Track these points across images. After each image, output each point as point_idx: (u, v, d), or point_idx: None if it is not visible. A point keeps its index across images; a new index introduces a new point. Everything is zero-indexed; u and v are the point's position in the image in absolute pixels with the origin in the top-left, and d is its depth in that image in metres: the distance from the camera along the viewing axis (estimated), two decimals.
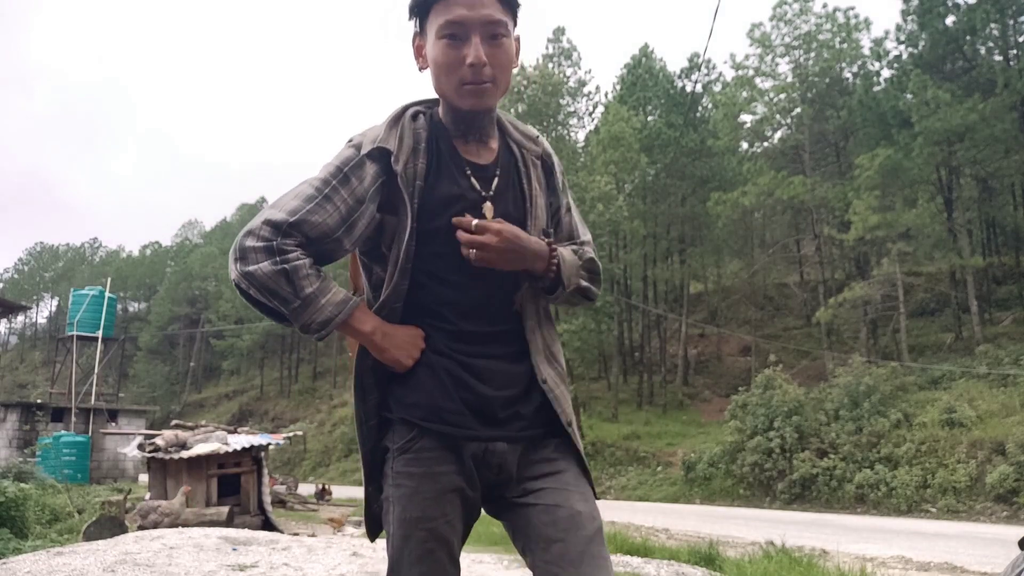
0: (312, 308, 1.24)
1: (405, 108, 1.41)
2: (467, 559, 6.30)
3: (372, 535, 1.47)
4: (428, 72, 1.36)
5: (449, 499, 1.30)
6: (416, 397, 1.31)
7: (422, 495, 1.28)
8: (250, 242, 1.23)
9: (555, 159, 1.51)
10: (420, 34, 1.38)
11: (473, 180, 1.36)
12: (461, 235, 1.28)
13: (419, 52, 1.39)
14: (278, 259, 1.22)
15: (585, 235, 1.53)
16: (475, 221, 1.29)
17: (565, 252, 1.40)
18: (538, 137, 1.49)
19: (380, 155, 1.32)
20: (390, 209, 1.33)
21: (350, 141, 1.37)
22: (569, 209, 1.54)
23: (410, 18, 1.39)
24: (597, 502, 1.38)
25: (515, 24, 1.36)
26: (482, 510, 1.40)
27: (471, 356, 1.33)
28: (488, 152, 1.41)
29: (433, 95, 1.41)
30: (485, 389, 1.31)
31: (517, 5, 1.36)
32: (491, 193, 1.36)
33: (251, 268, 1.22)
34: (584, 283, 1.44)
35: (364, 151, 1.31)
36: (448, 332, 1.33)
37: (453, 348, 1.33)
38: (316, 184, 1.30)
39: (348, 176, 1.30)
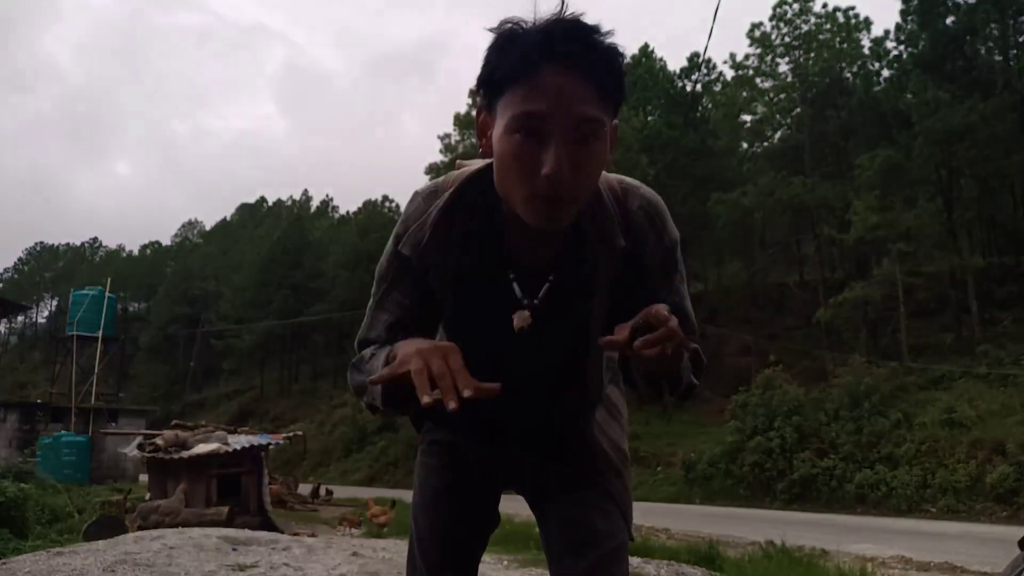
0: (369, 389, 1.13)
1: (461, 191, 1.15)
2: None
3: None
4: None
5: (457, 493, 1.34)
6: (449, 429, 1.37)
7: (430, 485, 1.35)
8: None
9: (655, 256, 1.18)
10: (488, 109, 1.05)
11: (515, 286, 1.15)
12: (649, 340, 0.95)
13: (484, 131, 1.07)
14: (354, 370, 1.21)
15: (677, 300, 1.23)
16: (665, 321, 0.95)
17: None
18: (623, 248, 1.15)
19: (414, 267, 1.18)
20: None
21: (398, 235, 1.20)
22: (669, 279, 1.23)
23: (479, 89, 1.06)
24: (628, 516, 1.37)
25: (615, 115, 1.05)
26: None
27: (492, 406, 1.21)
28: (547, 250, 1.14)
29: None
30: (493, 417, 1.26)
31: (622, 99, 1.04)
32: (535, 301, 1.14)
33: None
34: (692, 380, 1.26)
35: (403, 250, 1.18)
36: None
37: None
38: (385, 277, 1.24)
39: (395, 283, 1.21)
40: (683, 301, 1.24)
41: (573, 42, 0.95)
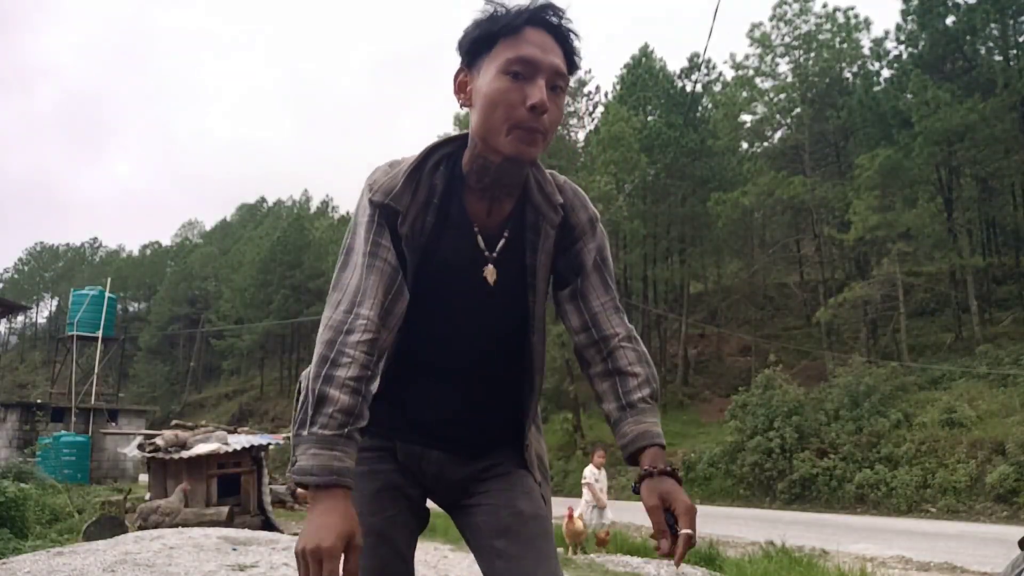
0: (303, 448, 1.12)
1: (429, 154, 1.31)
2: (467, 559, 6.30)
3: None
4: (470, 111, 1.28)
5: (390, 496, 1.32)
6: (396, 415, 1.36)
7: (360, 492, 1.24)
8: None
9: (580, 218, 1.38)
10: (468, 69, 1.27)
11: (479, 239, 1.30)
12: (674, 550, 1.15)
13: (462, 88, 1.28)
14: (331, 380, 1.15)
15: (608, 296, 1.39)
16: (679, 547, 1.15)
17: (655, 429, 1.32)
18: (561, 204, 1.35)
19: (388, 214, 1.25)
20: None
21: (366, 183, 1.30)
22: (599, 268, 1.40)
23: (463, 52, 1.27)
24: (549, 503, 1.40)
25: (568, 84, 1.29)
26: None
27: (431, 401, 1.35)
28: (500, 212, 1.32)
29: (459, 135, 1.34)
30: (430, 415, 1.35)
31: (576, 69, 1.29)
32: (495, 255, 1.31)
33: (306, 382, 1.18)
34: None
35: (373, 200, 1.26)
36: (416, 374, 1.35)
37: (412, 391, 1.36)
38: (362, 250, 1.25)
39: (380, 235, 1.25)
40: (616, 294, 1.42)
41: (553, 15, 1.23)
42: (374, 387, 1.18)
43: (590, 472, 9.21)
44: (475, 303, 1.31)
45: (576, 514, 8.50)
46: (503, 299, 1.32)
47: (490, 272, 1.30)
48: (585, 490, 9.08)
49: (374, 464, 1.33)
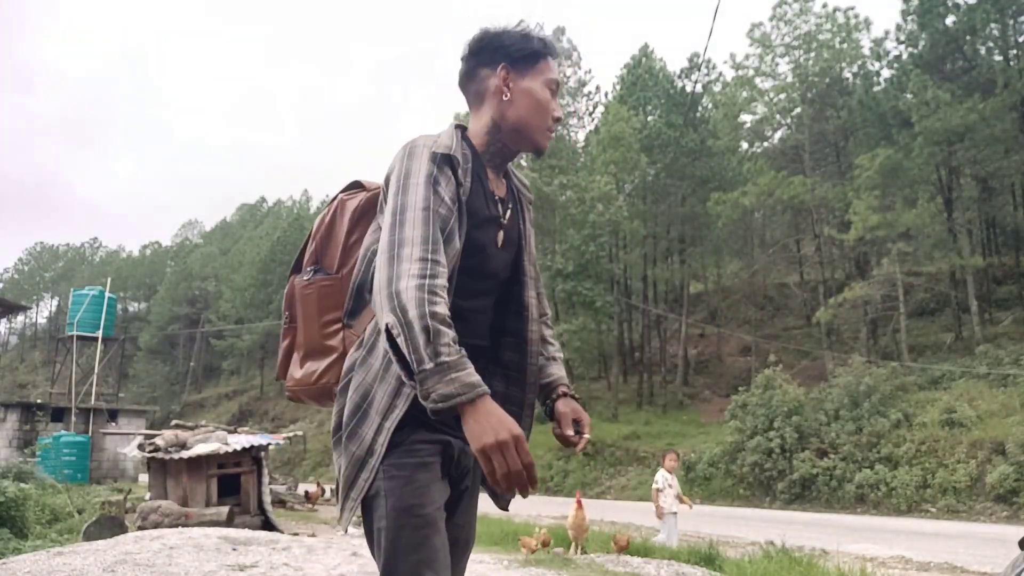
0: (434, 379, 1.22)
1: (458, 127, 1.57)
2: None
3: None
4: (504, 101, 1.54)
5: (439, 488, 1.38)
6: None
7: (417, 483, 1.33)
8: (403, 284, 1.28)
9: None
10: (512, 71, 1.55)
11: (499, 206, 1.56)
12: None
13: (505, 82, 1.54)
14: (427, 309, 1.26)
15: (547, 309, 1.74)
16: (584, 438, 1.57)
17: (563, 372, 1.69)
18: (528, 185, 1.72)
19: (448, 162, 1.44)
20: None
21: (415, 148, 1.44)
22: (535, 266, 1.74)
23: (508, 57, 1.55)
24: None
25: None
26: None
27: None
28: (501, 186, 1.60)
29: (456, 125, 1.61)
30: None
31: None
32: (504, 221, 1.56)
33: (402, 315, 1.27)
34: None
35: (436, 151, 1.43)
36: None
37: None
38: (422, 205, 1.37)
39: (438, 185, 1.41)
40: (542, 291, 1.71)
41: (555, 48, 1.62)
42: None
43: (661, 477, 8.45)
44: (491, 259, 1.52)
45: (660, 537, 8.05)
46: (503, 259, 1.56)
47: (500, 236, 1.55)
48: (660, 497, 8.28)
49: (427, 457, 1.38)
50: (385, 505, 1.32)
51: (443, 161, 1.42)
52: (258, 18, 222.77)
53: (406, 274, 1.26)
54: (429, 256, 1.29)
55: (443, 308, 1.25)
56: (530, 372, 1.57)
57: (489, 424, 1.20)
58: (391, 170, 1.43)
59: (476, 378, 1.23)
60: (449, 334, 1.23)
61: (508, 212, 1.58)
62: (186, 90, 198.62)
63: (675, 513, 8.38)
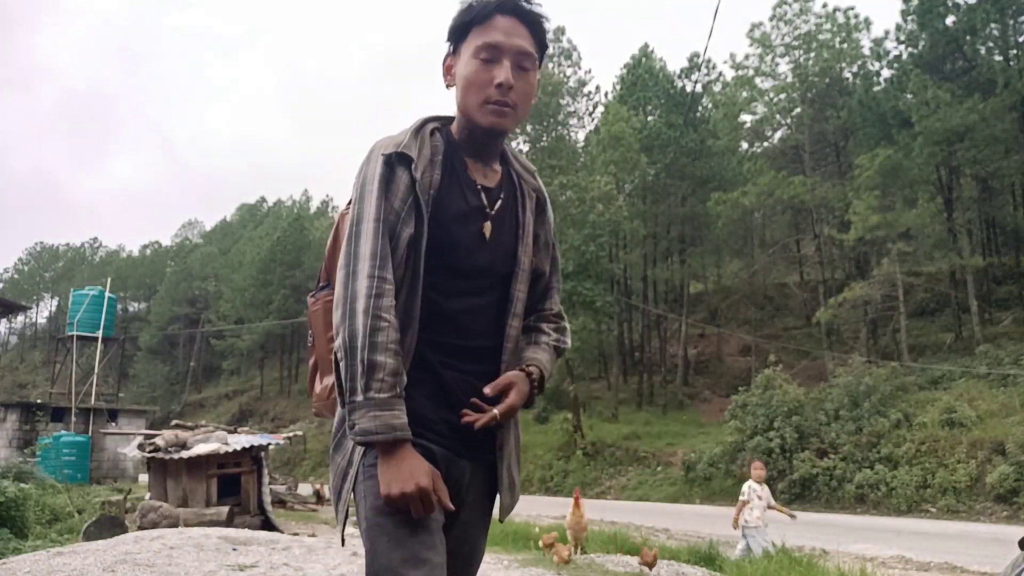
0: (362, 411, 1.25)
1: (425, 121, 1.47)
2: None
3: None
4: (453, 90, 1.46)
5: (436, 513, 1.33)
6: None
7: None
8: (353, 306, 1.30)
9: (547, 197, 1.60)
10: (453, 54, 1.47)
11: (482, 196, 1.45)
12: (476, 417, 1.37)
13: (448, 71, 1.48)
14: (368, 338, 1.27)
15: (556, 279, 1.62)
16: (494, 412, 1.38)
17: (541, 356, 1.51)
18: (535, 172, 1.58)
19: (402, 160, 1.36)
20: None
21: (373, 151, 1.41)
22: (552, 248, 1.61)
23: (448, 40, 1.48)
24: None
25: (540, 63, 1.48)
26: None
27: (459, 372, 1.40)
28: (493, 175, 1.50)
29: (449, 114, 1.51)
30: (461, 411, 1.38)
31: (545, 47, 1.49)
32: (493, 212, 1.45)
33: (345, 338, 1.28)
34: (553, 363, 1.57)
35: (385, 153, 1.36)
36: (437, 345, 1.38)
37: (442, 363, 1.38)
38: (373, 215, 1.33)
39: (390, 188, 1.35)
40: (556, 254, 1.64)
41: (518, 3, 1.42)
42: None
43: (748, 489, 7.90)
44: (474, 254, 1.42)
45: (739, 551, 7.62)
46: (498, 253, 1.46)
47: (487, 228, 1.44)
48: (746, 510, 7.76)
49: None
50: (364, 506, 1.30)
51: (396, 161, 1.36)
52: (258, 18, 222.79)
53: (360, 294, 1.26)
54: (376, 273, 1.28)
55: (386, 335, 1.25)
56: (502, 371, 1.44)
57: (399, 473, 1.23)
58: (356, 175, 1.42)
59: (400, 421, 1.24)
60: (387, 368, 1.24)
61: (499, 202, 1.47)
62: (186, 90, 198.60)
63: (758, 527, 7.71)
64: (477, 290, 1.43)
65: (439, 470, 1.33)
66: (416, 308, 1.35)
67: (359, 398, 1.23)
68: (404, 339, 1.33)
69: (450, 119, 1.50)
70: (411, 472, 1.23)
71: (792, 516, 8.19)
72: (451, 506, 1.29)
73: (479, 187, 1.45)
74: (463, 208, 1.41)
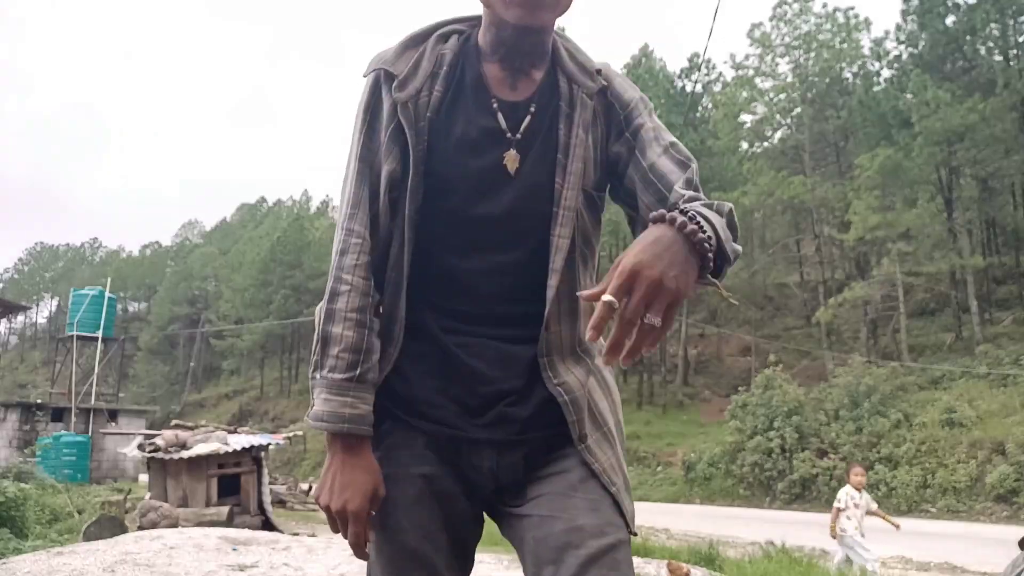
0: (317, 392, 1.04)
1: (437, 27, 1.15)
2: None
3: None
4: None
5: (427, 506, 1.06)
6: (396, 385, 1.09)
7: (392, 502, 1.05)
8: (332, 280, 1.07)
9: (629, 95, 1.15)
10: None
11: (500, 117, 1.09)
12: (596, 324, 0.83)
13: None
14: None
15: (683, 186, 1.04)
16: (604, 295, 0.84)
17: (704, 211, 0.92)
18: (599, 71, 1.14)
19: (388, 79, 1.08)
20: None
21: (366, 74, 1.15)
22: (663, 147, 1.09)
23: None
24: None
25: None
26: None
27: (466, 341, 1.07)
28: (527, 85, 1.12)
29: (471, 16, 1.18)
30: (476, 383, 1.06)
31: None
32: (518, 136, 1.09)
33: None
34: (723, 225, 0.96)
35: (369, 71, 1.11)
36: (443, 310, 1.09)
37: (446, 329, 1.08)
38: (355, 153, 1.10)
39: (374, 120, 1.10)
40: (677, 157, 1.09)
41: None
42: (375, 318, 1.07)
43: (845, 495, 7.26)
44: (492, 196, 1.08)
45: (837, 560, 7.14)
46: (526, 191, 1.08)
47: (511, 158, 1.08)
48: (842, 518, 7.19)
49: (409, 467, 1.07)
50: None
51: (383, 79, 1.09)
52: (259, 17, 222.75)
53: (335, 252, 1.07)
54: (344, 224, 1.07)
55: (345, 301, 1.03)
56: (545, 341, 1.06)
57: (335, 479, 1.01)
58: None
59: (352, 411, 1.00)
60: (343, 342, 1.01)
61: (528, 119, 1.09)
62: (186, 90, 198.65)
63: (856, 537, 7.11)
64: (497, 243, 1.08)
65: (444, 459, 1.07)
66: (404, 265, 1.07)
67: (317, 375, 1.03)
68: (389, 304, 1.09)
69: (478, 22, 1.15)
70: (347, 483, 1.00)
71: (896, 526, 7.57)
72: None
73: (495, 103, 1.09)
74: (469, 133, 1.08)
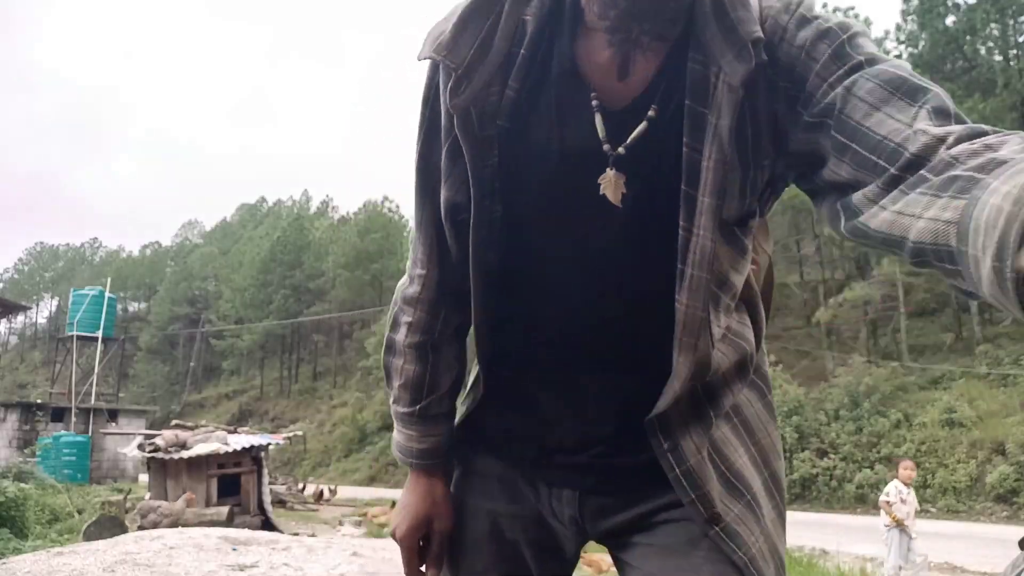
0: (394, 420, 0.99)
1: None
2: None
3: None
4: None
5: (498, 543, 0.94)
6: (478, 417, 0.96)
7: (459, 534, 0.96)
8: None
9: (814, 51, 0.71)
10: None
11: (598, 121, 0.76)
12: None
13: None
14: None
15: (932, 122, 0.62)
16: None
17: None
18: (756, 38, 0.71)
19: (443, 74, 0.80)
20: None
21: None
22: (902, 99, 0.65)
23: None
24: None
25: None
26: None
27: (554, 380, 0.88)
28: (644, 69, 0.76)
29: None
30: (562, 427, 0.88)
31: None
32: (622, 149, 0.76)
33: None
34: None
35: (421, 54, 0.81)
36: (530, 347, 0.89)
37: (531, 365, 0.89)
38: (418, 166, 0.88)
39: (431, 123, 0.85)
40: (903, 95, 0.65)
41: None
42: (445, 358, 0.95)
43: (895, 488, 6.91)
44: (584, 234, 0.80)
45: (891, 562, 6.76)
46: (633, 230, 0.79)
47: (611, 182, 0.76)
48: (883, 513, 6.90)
49: (479, 498, 0.95)
50: None
51: (441, 73, 0.80)
52: (259, 17, 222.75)
53: (406, 274, 0.96)
54: (412, 246, 0.92)
55: (404, 334, 0.92)
56: (677, 376, 0.79)
57: (401, 503, 0.97)
58: None
59: (418, 446, 0.94)
60: (402, 377, 0.93)
61: (642, 128, 0.75)
62: (186, 90, 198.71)
63: (899, 528, 6.81)
64: (597, 294, 0.82)
65: (518, 499, 0.92)
66: (477, 303, 0.87)
67: (392, 404, 0.98)
68: (472, 336, 0.92)
69: None
70: (402, 507, 0.95)
71: (904, 529, 7.15)
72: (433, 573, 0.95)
73: (593, 101, 0.76)
74: (551, 147, 0.78)
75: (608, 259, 0.80)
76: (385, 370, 0.97)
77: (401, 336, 0.93)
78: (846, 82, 0.68)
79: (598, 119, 0.76)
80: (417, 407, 0.94)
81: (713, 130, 0.72)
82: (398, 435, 0.97)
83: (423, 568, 0.96)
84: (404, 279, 0.95)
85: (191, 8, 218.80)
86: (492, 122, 0.77)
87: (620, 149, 0.76)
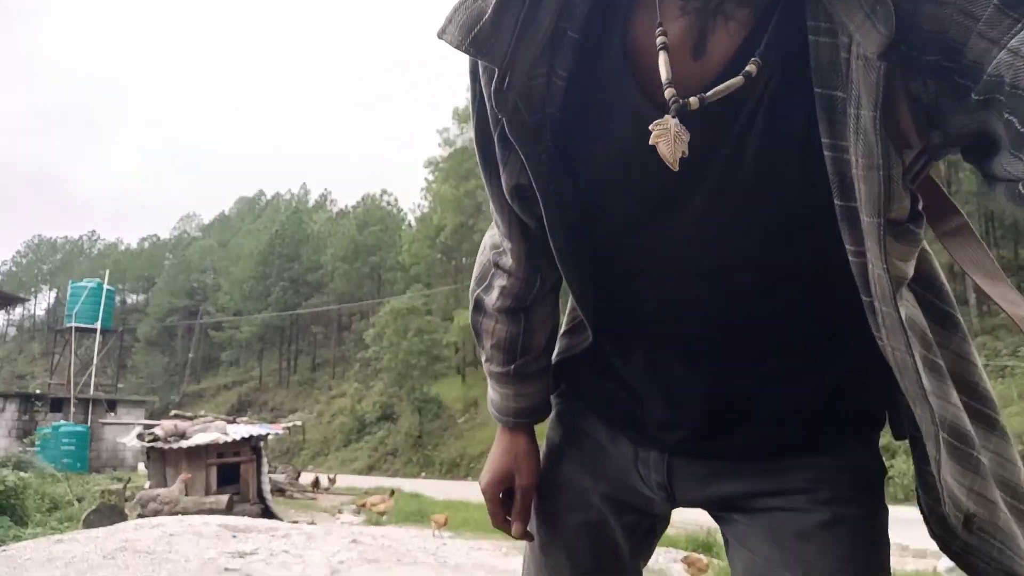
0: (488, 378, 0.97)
1: None
2: (466, 546, 6.33)
3: None
4: None
5: (574, 518, 0.92)
6: (581, 375, 0.92)
7: (544, 484, 0.94)
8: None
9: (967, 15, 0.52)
10: None
11: (662, 61, 0.62)
12: None
13: None
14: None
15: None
16: None
17: None
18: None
19: (483, 70, 0.70)
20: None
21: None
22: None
23: None
24: None
25: None
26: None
27: (654, 361, 0.82)
28: (723, 44, 0.62)
29: None
30: (650, 400, 0.83)
31: None
32: (694, 101, 0.61)
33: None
34: None
35: (442, 36, 0.67)
36: (630, 324, 0.83)
37: (625, 352, 0.85)
38: (478, 141, 0.77)
39: (480, 101, 0.73)
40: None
41: None
42: (539, 316, 0.90)
43: None
44: (652, 229, 0.72)
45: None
46: (716, 217, 0.68)
47: (669, 133, 0.62)
48: None
49: (574, 467, 0.92)
50: None
51: (480, 68, 0.71)
52: (258, 13, 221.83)
53: (486, 245, 0.93)
54: (494, 225, 0.87)
55: (494, 297, 0.88)
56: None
57: (489, 458, 0.97)
58: None
59: (515, 405, 0.92)
60: (493, 337, 0.90)
61: (738, 78, 0.59)
62: (185, 84, 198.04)
63: None
64: (675, 280, 0.74)
65: (607, 470, 0.88)
66: (561, 282, 0.86)
67: (484, 362, 0.96)
68: (555, 288, 0.90)
69: None
70: (489, 460, 0.95)
71: None
72: (521, 529, 0.92)
73: (666, 88, 0.62)
74: (611, 145, 0.68)
75: (680, 248, 0.71)
76: (474, 328, 0.94)
77: (492, 299, 0.89)
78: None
79: (662, 58, 0.61)
80: (512, 366, 0.90)
81: (855, 122, 0.56)
82: (493, 394, 0.95)
83: (509, 519, 0.95)
84: (495, 241, 0.89)
85: (191, 8, 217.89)
86: (538, 107, 0.68)
87: (692, 99, 0.60)
